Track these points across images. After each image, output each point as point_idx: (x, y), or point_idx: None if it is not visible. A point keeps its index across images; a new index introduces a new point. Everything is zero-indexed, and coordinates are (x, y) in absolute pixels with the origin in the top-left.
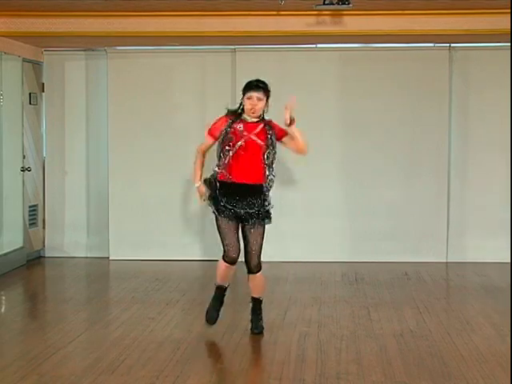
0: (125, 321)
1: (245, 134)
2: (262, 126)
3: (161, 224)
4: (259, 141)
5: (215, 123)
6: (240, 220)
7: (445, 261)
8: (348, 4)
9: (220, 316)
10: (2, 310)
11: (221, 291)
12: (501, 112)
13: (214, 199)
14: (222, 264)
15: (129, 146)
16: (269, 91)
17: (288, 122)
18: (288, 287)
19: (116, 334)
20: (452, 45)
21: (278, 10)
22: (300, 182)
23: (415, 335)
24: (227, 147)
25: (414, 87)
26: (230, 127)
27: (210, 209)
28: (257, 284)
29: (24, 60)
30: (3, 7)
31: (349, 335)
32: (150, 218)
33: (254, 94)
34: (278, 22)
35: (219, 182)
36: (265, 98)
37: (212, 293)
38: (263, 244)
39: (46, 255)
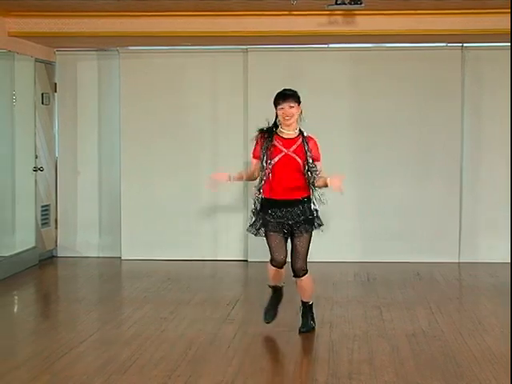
0: (137, 320)
1: (282, 149)
2: (300, 141)
3: (173, 224)
4: (297, 157)
5: (254, 147)
6: (287, 229)
7: (457, 261)
8: (360, 4)
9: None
10: (15, 309)
11: (276, 290)
12: None
13: (257, 223)
14: (271, 268)
15: (141, 146)
16: (298, 97)
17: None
18: None
19: (128, 333)
20: (464, 44)
21: (290, 10)
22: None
23: (427, 335)
24: (265, 163)
25: (425, 87)
26: (269, 143)
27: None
28: (303, 287)
29: (36, 60)
30: (16, 8)
31: (361, 335)
32: (162, 218)
33: (285, 104)
34: (290, 22)
35: (262, 198)
36: (296, 105)
37: (223, 292)
38: (308, 250)
39: (59, 255)
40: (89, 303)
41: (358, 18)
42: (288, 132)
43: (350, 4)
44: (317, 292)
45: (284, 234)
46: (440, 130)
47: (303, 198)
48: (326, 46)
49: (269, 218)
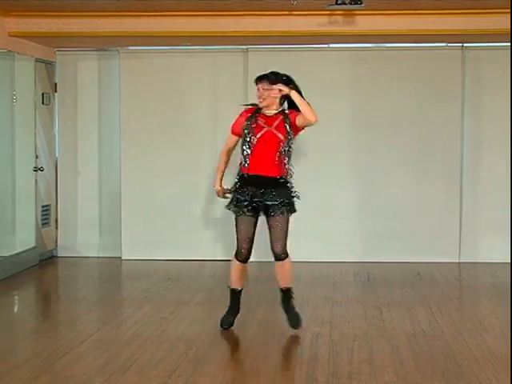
0: (137, 320)
1: (265, 126)
2: (281, 117)
3: (173, 224)
4: (279, 134)
5: (236, 120)
6: (262, 212)
7: (457, 261)
8: (360, 4)
9: (237, 316)
10: (15, 309)
11: (234, 295)
12: None
13: (233, 199)
14: (234, 262)
15: (141, 146)
16: (276, 80)
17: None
18: (300, 287)
19: (128, 333)
20: (465, 44)
21: (291, 10)
22: (311, 182)
23: (428, 335)
24: (247, 140)
25: (426, 87)
26: (251, 120)
27: (231, 212)
28: (283, 272)
29: (37, 60)
30: (16, 8)
31: (361, 335)
32: (163, 218)
33: (259, 85)
34: (290, 22)
35: (240, 174)
36: (272, 87)
37: (223, 292)
38: (287, 233)
39: (59, 255)
40: (89, 303)
41: (358, 18)
42: (269, 111)
43: (351, 4)
44: (317, 292)
45: (256, 215)
46: (440, 130)
47: (281, 179)
48: (327, 45)
49: (243, 196)
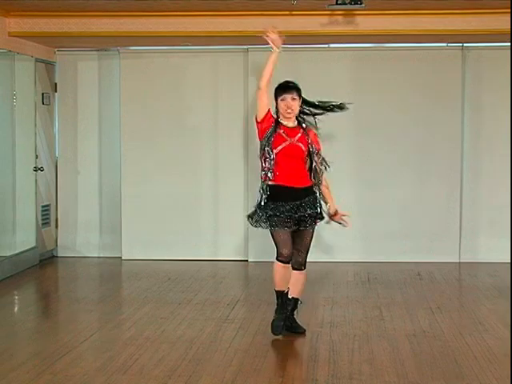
0: (137, 320)
1: (287, 138)
2: (302, 131)
3: (173, 224)
4: (302, 145)
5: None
6: (294, 222)
7: (457, 261)
8: (361, 4)
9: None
10: (15, 309)
11: (281, 296)
12: None
13: (258, 216)
14: (278, 265)
15: (141, 146)
16: (300, 90)
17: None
18: None
19: (128, 333)
20: (465, 44)
21: (291, 10)
22: None
23: (428, 335)
24: (270, 150)
25: (426, 87)
26: (275, 128)
27: (263, 227)
28: (299, 281)
29: (37, 60)
30: (16, 7)
31: (361, 335)
32: (163, 218)
33: (288, 95)
34: (290, 22)
35: (267, 186)
36: (298, 98)
37: (223, 292)
38: (311, 244)
39: (59, 255)
40: (89, 303)
41: (359, 18)
42: (288, 123)
43: (351, 4)
44: (317, 292)
45: (290, 227)
46: (440, 130)
47: (309, 189)
48: (327, 46)
49: (276, 213)
